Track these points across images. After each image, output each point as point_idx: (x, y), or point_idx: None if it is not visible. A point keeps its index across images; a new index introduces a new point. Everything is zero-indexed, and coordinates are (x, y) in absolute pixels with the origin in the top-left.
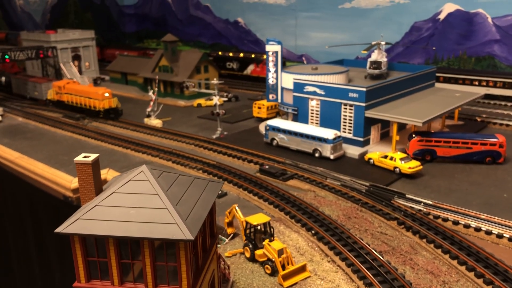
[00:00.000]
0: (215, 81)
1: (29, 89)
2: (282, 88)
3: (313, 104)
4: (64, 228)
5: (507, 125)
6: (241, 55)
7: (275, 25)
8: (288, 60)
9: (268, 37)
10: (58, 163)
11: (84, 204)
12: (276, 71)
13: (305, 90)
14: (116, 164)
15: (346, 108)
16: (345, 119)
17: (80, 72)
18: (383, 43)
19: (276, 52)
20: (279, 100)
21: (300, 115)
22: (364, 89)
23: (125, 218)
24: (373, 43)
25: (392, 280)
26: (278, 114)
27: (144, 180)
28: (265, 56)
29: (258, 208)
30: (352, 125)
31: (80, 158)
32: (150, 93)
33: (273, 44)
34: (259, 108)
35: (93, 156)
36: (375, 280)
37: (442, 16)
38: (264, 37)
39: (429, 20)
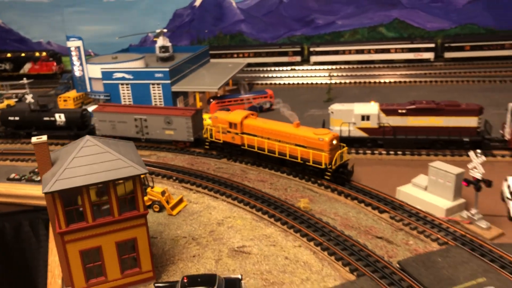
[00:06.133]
0: (25, 80)
1: (151, 128)
2: (90, 78)
3: (124, 88)
4: (49, 188)
5: (266, 84)
6: (9, 55)
7: (40, 22)
8: (63, 55)
9: (33, 35)
10: None
11: (46, 172)
12: (81, 64)
13: (114, 77)
14: None
15: (154, 87)
16: (155, 96)
17: None
18: (165, 30)
19: (79, 47)
20: (89, 90)
21: (113, 100)
22: (168, 69)
23: (92, 171)
24: (157, 31)
25: (239, 189)
26: (83, 103)
27: (93, 145)
28: (37, 54)
29: None
30: (162, 100)
31: (35, 139)
32: None
33: (74, 40)
34: (65, 100)
35: (43, 137)
36: (230, 191)
37: (197, 3)
38: (29, 35)
39: (188, 7)
